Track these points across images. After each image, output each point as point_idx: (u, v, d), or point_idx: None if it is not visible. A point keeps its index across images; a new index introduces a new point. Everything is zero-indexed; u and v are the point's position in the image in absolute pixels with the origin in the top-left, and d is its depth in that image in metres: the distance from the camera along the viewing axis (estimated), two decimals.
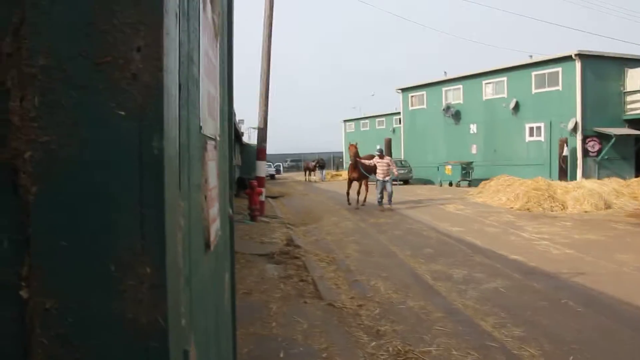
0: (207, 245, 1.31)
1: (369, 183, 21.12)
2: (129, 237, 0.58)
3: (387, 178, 19.19)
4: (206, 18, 1.20)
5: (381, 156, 19.62)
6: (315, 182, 41.85)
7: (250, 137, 50.19)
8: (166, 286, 0.60)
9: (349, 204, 20.79)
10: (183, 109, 0.77)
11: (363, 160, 20.21)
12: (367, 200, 20.52)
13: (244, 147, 34.98)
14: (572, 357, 5.17)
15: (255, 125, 19.13)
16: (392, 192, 19.31)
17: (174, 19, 0.63)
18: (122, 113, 0.58)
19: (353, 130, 59.11)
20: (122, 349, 0.58)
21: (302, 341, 5.55)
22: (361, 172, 19.96)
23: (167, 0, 0.58)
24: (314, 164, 44.98)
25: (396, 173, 20.21)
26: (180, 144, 0.68)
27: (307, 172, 44.96)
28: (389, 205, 19.17)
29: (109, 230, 0.57)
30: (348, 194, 21.09)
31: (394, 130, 48.07)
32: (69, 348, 0.55)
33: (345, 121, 61.53)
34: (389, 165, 19.35)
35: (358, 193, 20.54)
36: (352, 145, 20.78)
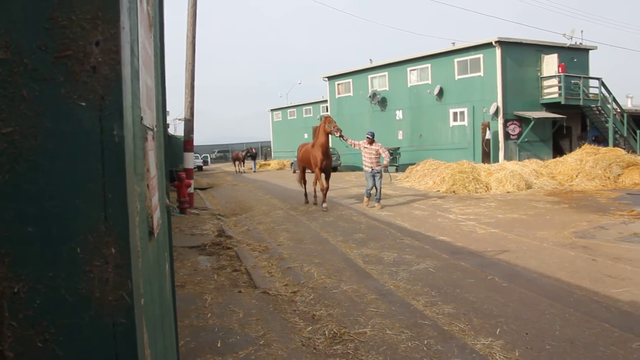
0: (151, 233, 1.32)
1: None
2: (94, 221, 0.60)
3: (377, 168, 15.67)
4: (142, 10, 1.20)
5: (371, 141, 15.66)
6: (244, 172, 41.30)
7: (176, 129, 49.16)
8: (130, 265, 0.63)
9: (307, 202, 17.43)
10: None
11: (353, 142, 15.99)
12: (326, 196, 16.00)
13: (170, 138, 34.35)
14: (499, 330, 5.42)
15: (181, 116, 18.78)
16: (380, 187, 15.92)
17: (127, 14, 0.65)
18: (83, 104, 0.60)
19: (280, 119, 59.04)
20: (90, 326, 0.60)
21: (239, 330, 5.58)
22: (328, 158, 15.77)
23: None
24: (243, 153, 43.83)
25: (387, 162, 16.10)
26: (134, 134, 0.71)
27: (237, 163, 43.64)
28: (378, 205, 15.55)
29: (74, 214, 0.59)
30: (305, 185, 17.79)
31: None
32: (38, 329, 0.57)
33: (272, 110, 61.29)
34: (379, 154, 15.69)
35: (315, 184, 16.87)
36: (327, 117, 16.04)
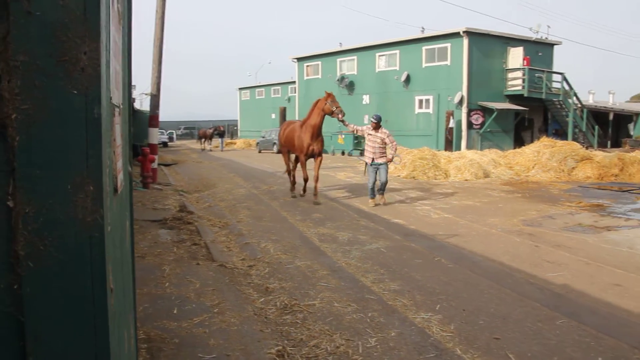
0: (115, 189, 1.60)
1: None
2: (79, 167, 0.89)
3: (381, 160, 12.67)
4: (113, 10, 1.46)
5: (376, 126, 12.67)
6: (211, 150, 40.94)
7: (142, 104, 48.62)
8: (102, 199, 0.92)
9: (293, 194, 14.34)
10: None
11: (355, 127, 13.43)
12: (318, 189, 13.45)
13: (136, 113, 34.13)
14: (439, 306, 5.82)
15: (148, 91, 18.71)
16: (386, 181, 12.92)
17: (105, 31, 0.94)
18: (75, 92, 0.89)
19: (248, 99, 58.92)
20: (75, 237, 0.90)
21: (195, 299, 5.87)
22: (318, 142, 13.15)
23: (101, 21, 0.90)
24: (211, 131, 42.92)
25: (393, 152, 13.01)
26: (106, 111, 1.00)
27: (204, 140, 42.69)
28: (379, 197, 13.00)
29: (67, 163, 0.88)
30: (291, 174, 14.65)
31: (289, 99, 48.47)
32: (40, 237, 0.87)
33: (240, 89, 61.07)
34: (384, 143, 12.73)
35: (294, 169, 14.52)
36: (330, 94, 13.19)
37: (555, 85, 32.46)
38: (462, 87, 29.62)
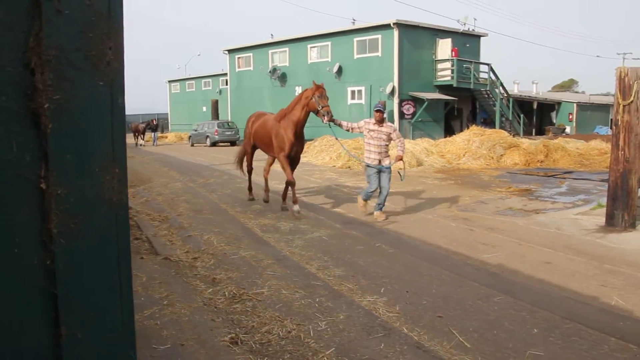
0: None
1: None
2: (106, 151, 0.98)
3: (386, 163, 10.20)
4: None
5: (381, 119, 10.09)
6: (143, 145, 39.73)
7: None
8: (126, 180, 1.01)
9: (251, 197, 12.42)
10: None
11: (350, 125, 10.51)
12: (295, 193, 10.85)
13: None
14: (383, 289, 6.04)
15: None
16: (388, 189, 10.37)
17: (122, 29, 1.02)
18: (101, 83, 0.96)
19: (178, 91, 57.85)
20: (102, 216, 0.98)
21: (143, 292, 5.87)
22: (300, 142, 10.80)
23: (122, 18, 0.99)
24: (143, 125, 41.31)
25: (402, 152, 10.31)
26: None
27: (137, 135, 40.96)
28: (379, 213, 10.16)
29: (95, 147, 0.96)
30: (250, 174, 12.67)
31: (220, 92, 47.97)
32: (71, 216, 0.94)
33: (170, 82, 59.91)
34: (390, 139, 10.28)
35: (268, 172, 12.40)
36: (319, 87, 10.44)
37: (482, 75, 33.58)
38: (393, 78, 30.16)
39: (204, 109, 49.39)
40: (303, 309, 5.38)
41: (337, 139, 11.83)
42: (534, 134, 38.05)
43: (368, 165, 10.28)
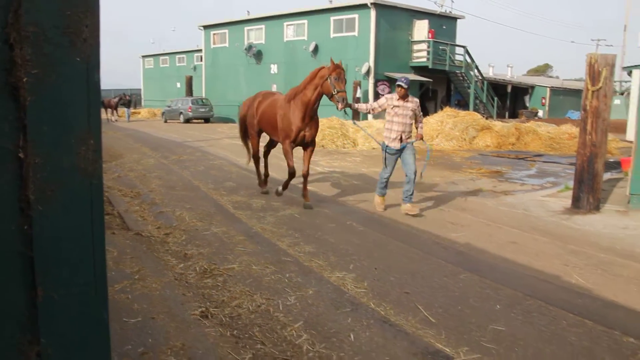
0: None
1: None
2: (82, 124, 1.04)
3: (408, 142, 9.05)
4: None
5: (404, 94, 8.98)
6: (116, 120, 39.07)
7: None
8: (100, 151, 1.08)
9: (264, 188, 10.68)
10: None
11: (370, 106, 9.41)
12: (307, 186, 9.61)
13: None
14: (352, 265, 6.16)
15: None
16: (415, 169, 8.95)
17: (99, 6, 1.07)
18: (78, 59, 1.02)
19: (152, 67, 57.14)
20: (77, 183, 1.05)
21: (114, 267, 5.90)
22: (313, 126, 9.41)
23: None
24: (116, 100, 40.51)
25: (421, 130, 9.37)
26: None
27: (109, 110, 40.12)
28: (410, 206, 8.88)
29: (72, 119, 1.02)
30: (259, 162, 10.95)
31: (195, 68, 47.51)
32: (48, 183, 1.00)
33: (143, 57, 59.11)
34: (414, 116, 9.11)
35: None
36: (337, 66, 8.80)
37: (458, 57, 33.83)
38: (369, 58, 30.22)
39: (178, 85, 48.89)
40: (273, 284, 5.48)
41: (354, 122, 10.75)
42: (507, 117, 38.50)
43: (386, 151, 9.07)
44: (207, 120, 36.56)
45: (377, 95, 30.38)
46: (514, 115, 41.14)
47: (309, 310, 4.82)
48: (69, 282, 1.08)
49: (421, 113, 9.37)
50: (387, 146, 9.10)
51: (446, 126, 21.88)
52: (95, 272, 1.12)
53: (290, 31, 35.05)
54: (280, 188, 9.93)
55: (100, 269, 1.12)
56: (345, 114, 9.18)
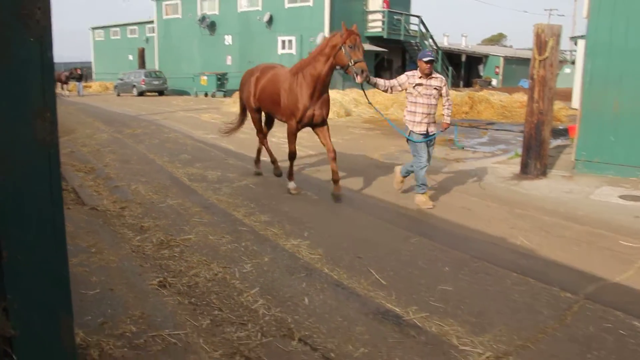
0: None
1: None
2: (38, 99, 1.14)
3: (432, 129, 7.86)
4: None
5: (428, 71, 7.61)
6: (68, 95, 38.04)
7: None
8: (57, 123, 1.18)
9: (258, 169, 9.81)
10: None
11: (389, 83, 7.94)
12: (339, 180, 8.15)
13: None
14: (307, 233, 6.32)
15: None
16: (429, 159, 7.92)
17: None
18: (32, 39, 1.12)
19: (103, 39, 55.61)
20: (36, 152, 1.15)
21: (70, 241, 5.90)
22: (323, 104, 8.13)
23: None
24: (66, 74, 39.40)
25: (448, 116, 7.94)
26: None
27: (60, 85, 38.94)
28: (424, 199, 7.66)
29: (28, 95, 1.12)
30: (263, 143, 9.74)
31: (147, 40, 46.51)
32: (8, 153, 1.11)
33: (93, 29, 57.43)
34: (439, 95, 7.78)
35: (292, 154, 8.37)
36: (351, 33, 7.65)
37: (412, 27, 34.03)
38: (324, 28, 30.13)
39: (130, 57, 47.80)
40: (229, 253, 5.61)
41: (369, 102, 9.10)
42: (461, 86, 39.04)
43: (410, 139, 7.88)
44: (161, 93, 35.99)
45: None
46: (468, 84, 41.78)
47: (265, 276, 4.97)
48: (32, 244, 1.18)
49: (449, 92, 7.96)
50: (411, 132, 7.83)
51: (401, 95, 22.04)
52: (55, 234, 1.23)
53: (244, 1, 34.65)
54: (291, 185, 8.40)
55: (59, 231, 1.23)
56: (363, 89, 8.13)
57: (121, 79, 38.10)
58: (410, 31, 33.55)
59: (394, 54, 34.24)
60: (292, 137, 8.25)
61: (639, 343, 3.94)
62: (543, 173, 9.72)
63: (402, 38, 32.42)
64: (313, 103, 7.97)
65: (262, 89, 8.89)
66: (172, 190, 8.37)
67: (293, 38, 31.78)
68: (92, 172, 9.78)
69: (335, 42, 7.69)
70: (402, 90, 7.88)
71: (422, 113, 7.70)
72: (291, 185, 8.34)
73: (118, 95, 37.53)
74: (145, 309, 4.22)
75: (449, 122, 7.91)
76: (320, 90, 7.97)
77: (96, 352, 3.52)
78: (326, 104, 8.16)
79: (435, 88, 7.64)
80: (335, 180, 7.90)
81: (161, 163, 10.72)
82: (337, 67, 7.89)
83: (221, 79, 33.41)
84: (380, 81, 7.89)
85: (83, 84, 42.84)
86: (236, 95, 25.03)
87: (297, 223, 6.72)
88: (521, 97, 22.66)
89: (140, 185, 8.59)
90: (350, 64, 7.45)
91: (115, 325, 3.92)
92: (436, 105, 7.83)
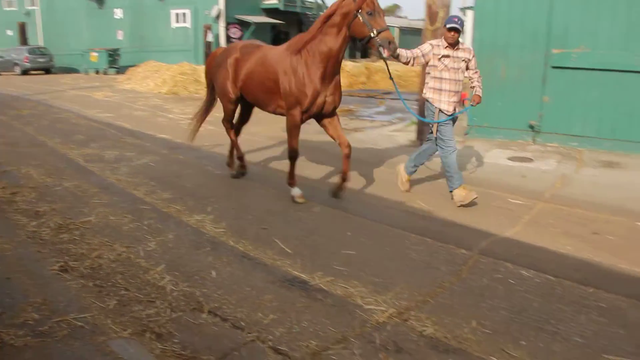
0: None
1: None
2: None
3: (457, 108, 6.75)
4: None
5: (452, 40, 6.46)
6: None
7: None
8: None
9: (233, 172, 7.95)
10: None
11: (410, 54, 6.59)
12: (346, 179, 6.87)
13: None
14: (210, 208, 6.31)
15: None
16: (455, 147, 6.74)
17: None
18: None
19: None
20: None
21: None
22: (335, 88, 6.56)
23: None
24: None
25: (478, 88, 6.67)
26: None
27: None
28: (465, 192, 6.48)
29: None
30: (233, 150, 8.12)
31: (28, 14, 43.71)
32: None
33: None
34: (465, 69, 6.70)
35: (294, 151, 6.84)
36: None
37: None
38: (218, 1, 29.59)
39: (10, 32, 44.74)
40: (132, 232, 5.52)
41: (391, 78, 7.11)
42: (358, 57, 39.50)
43: (435, 122, 6.73)
44: (47, 71, 34.05)
45: (228, 39, 29.91)
46: (364, 55, 42.29)
47: (170, 253, 4.95)
48: None
49: (476, 65, 6.82)
50: (431, 112, 6.80)
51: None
52: None
53: None
54: (296, 191, 6.80)
55: None
56: (385, 61, 6.54)
57: (1, 57, 35.59)
58: (306, 2, 33.59)
59: (290, 26, 34.19)
60: (295, 130, 6.68)
61: (526, 290, 4.29)
62: None
63: (298, 10, 32.42)
64: (325, 87, 6.43)
65: (249, 74, 7.09)
66: (67, 172, 8.05)
67: (187, 11, 30.99)
68: None
69: (347, 9, 6.05)
70: (426, 62, 6.72)
71: (449, 91, 6.62)
72: (296, 192, 6.75)
73: None
74: (47, 295, 4.10)
75: (480, 94, 6.71)
76: (331, 71, 6.43)
77: None
78: (338, 88, 6.64)
79: (463, 60, 6.61)
80: (344, 180, 6.70)
81: (53, 145, 10.24)
82: (359, 40, 6.19)
83: (113, 55, 32.07)
84: (403, 51, 6.54)
85: None
86: (130, 72, 24.35)
87: (200, 198, 6.69)
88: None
89: (32, 169, 8.19)
90: (372, 35, 5.91)
91: (16, 314, 3.79)
92: (462, 81, 6.76)
